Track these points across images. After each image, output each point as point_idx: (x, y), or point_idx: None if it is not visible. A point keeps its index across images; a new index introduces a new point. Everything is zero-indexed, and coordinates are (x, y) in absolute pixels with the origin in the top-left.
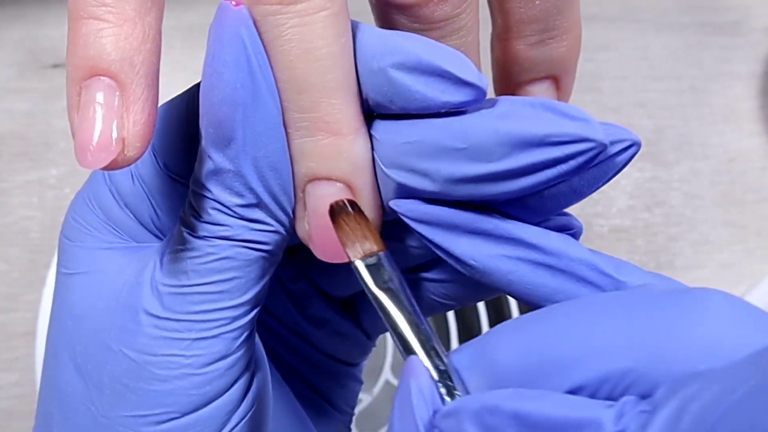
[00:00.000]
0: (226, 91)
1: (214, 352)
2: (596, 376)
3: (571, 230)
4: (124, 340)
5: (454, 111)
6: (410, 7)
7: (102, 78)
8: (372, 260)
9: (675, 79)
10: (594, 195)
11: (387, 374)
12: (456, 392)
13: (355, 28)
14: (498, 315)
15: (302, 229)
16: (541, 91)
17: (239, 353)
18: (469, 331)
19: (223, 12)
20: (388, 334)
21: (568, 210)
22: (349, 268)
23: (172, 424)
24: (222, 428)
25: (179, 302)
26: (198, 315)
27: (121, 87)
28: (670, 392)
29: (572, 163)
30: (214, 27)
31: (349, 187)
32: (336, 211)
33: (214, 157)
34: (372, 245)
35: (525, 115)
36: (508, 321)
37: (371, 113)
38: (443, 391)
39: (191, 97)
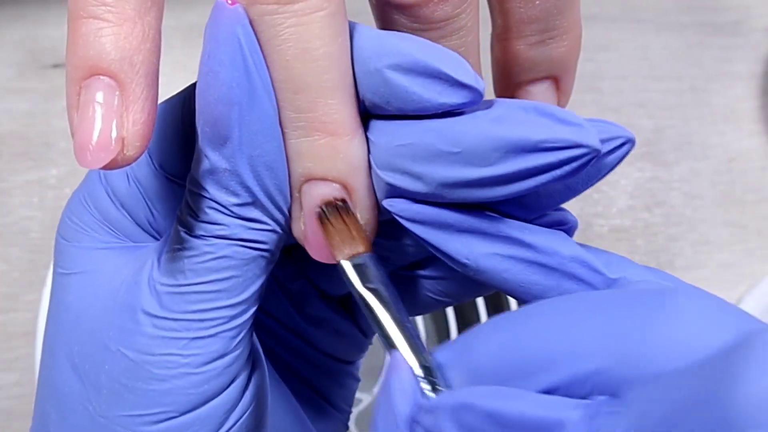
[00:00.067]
0: (221, 90)
1: (212, 351)
2: (570, 377)
3: (566, 225)
4: (122, 339)
5: (451, 112)
6: (410, 7)
7: (102, 77)
8: (358, 260)
9: (675, 79)
10: (594, 195)
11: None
12: (439, 388)
13: (352, 28)
14: (497, 312)
15: (298, 229)
16: (541, 91)
17: (237, 352)
18: (468, 328)
19: (219, 11)
20: None
21: (565, 206)
22: None
23: (171, 423)
24: (220, 427)
25: (177, 301)
26: (196, 314)
27: (121, 86)
28: (637, 393)
29: (566, 168)
30: (209, 26)
31: (345, 187)
32: (324, 212)
33: (210, 156)
34: (358, 246)
35: (519, 119)
36: (490, 320)
37: (367, 114)
38: (427, 387)
39: (186, 98)
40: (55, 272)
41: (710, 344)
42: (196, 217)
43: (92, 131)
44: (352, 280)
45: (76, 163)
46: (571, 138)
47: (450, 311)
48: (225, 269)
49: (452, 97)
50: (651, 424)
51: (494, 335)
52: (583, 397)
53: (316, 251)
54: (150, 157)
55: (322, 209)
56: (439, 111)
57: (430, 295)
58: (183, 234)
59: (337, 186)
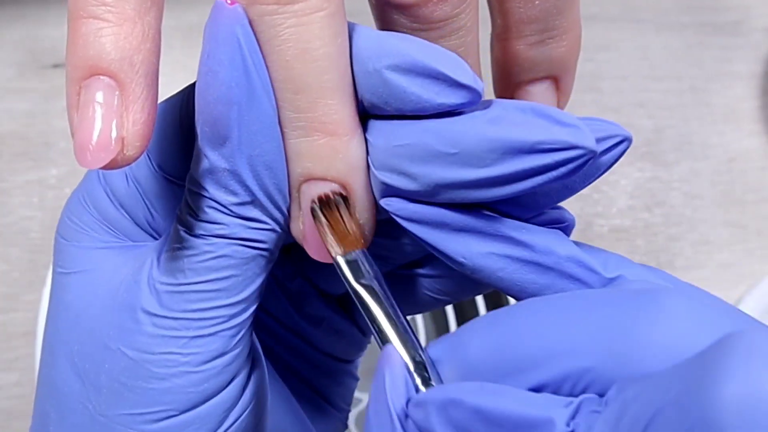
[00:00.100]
0: (221, 90)
1: (212, 349)
2: (560, 374)
3: (564, 223)
4: (122, 338)
5: (449, 113)
6: (410, 6)
7: (101, 77)
8: (351, 256)
9: (675, 79)
10: (594, 195)
11: None
12: (431, 383)
13: (351, 29)
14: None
15: (297, 229)
16: (541, 91)
17: (236, 351)
18: None
19: (219, 10)
20: None
21: (565, 205)
22: None
23: (170, 421)
24: (220, 426)
25: (177, 300)
26: (195, 313)
27: (121, 86)
28: (617, 393)
29: (562, 170)
30: (209, 26)
31: (344, 187)
32: (317, 209)
33: (209, 156)
34: (351, 242)
35: (516, 120)
36: (483, 316)
37: (366, 114)
38: (419, 381)
39: (185, 98)
40: (54, 271)
41: (699, 344)
42: (195, 216)
43: (92, 131)
44: (346, 276)
45: (76, 163)
46: (568, 139)
47: (450, 309)
48: (224, 268)
49: (451, 98)
50: (628, 423)
51: (487, 331)
52: (569, 395)
53: (315, 251)
54: (149, 157)
55: (316, 206)
56: (438, 111)
57: (429, 293)
58: (182, 233)
59: (336, 186)
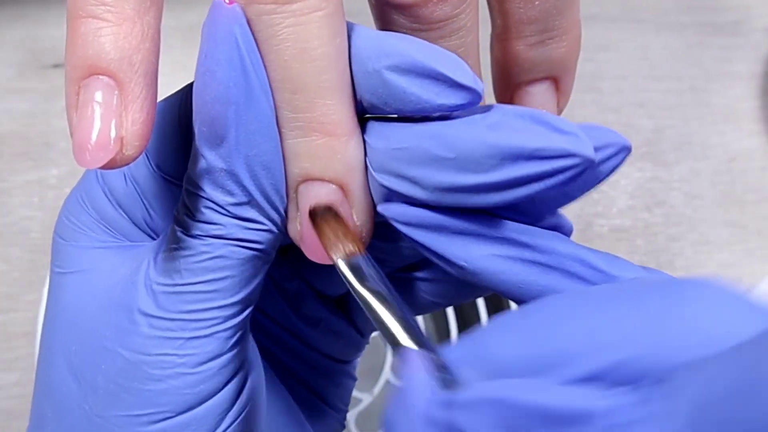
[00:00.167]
0: (219, 90)
1: (208, 351)
2: (596, 368)
3: (562, 229)
4: (119, 339)
5: (448, 115)
6: (409, 7)
7: (101, 77)
8: (355, 260)
9: (675, 79)
10: (594, 195)
11: (387, 374)
12: (454, 385)
13: (350, 29)
14: (497, 311)
15: (294, 230)
16: (541, 92)
17: (233, 352)
18: (469, 329)
19: (217, 10)
20: None
21: (562, 210)
22: None
23: (167, 423)
24: (217, 427)
25: (173, 301)
26: (191, 314)
27: (120, 86)
28: (659, 384)
29: (560, 177)
30: (207, 25)
31: (341, 188)
32: (317, 214)
33: (206, 156)
34: (353, 246)
35: (515, 127)
36: (504, 315)
37: (364, 115)
38: (442, 383)
39: (184, 98)
40: (52, 271)
41: (738, 333)
42: (192, 216)
43: (91, 131)
44: (350, 280)
45: (76, 163)
46: (566, 147)
47: (450, 311)
48: (221, 269)
49: (451, 98)
50: (676, 413)
51: (510, 331)
52: (606, 389)
53: (312, 252)
54: (147, 157)
55: (315, 210)
56: (438, 112)
57: (427, 296)
58: (179, 233)
59: (334, 186)
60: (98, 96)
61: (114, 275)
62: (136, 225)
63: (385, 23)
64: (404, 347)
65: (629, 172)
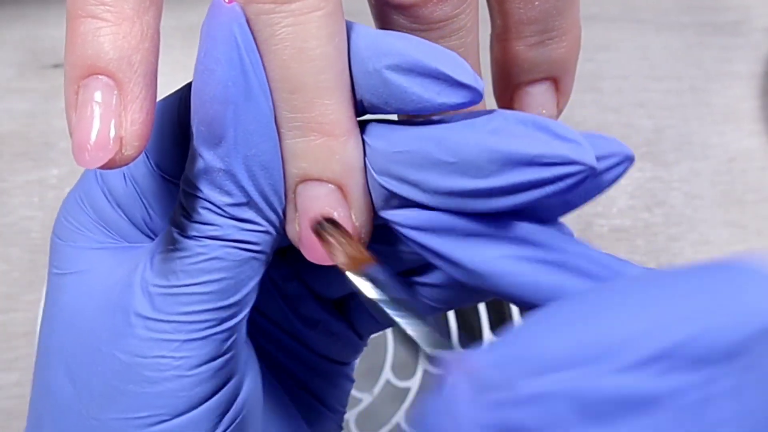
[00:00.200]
0: (217, 89)
1: (204, 353)
2: (651, 352)
3: None
4: (115, 341)
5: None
6: (409, 7)
7: (100, 77)
8: (369, 272)
9: (675, 79)
10: None
11: (387, 374)
12: (499, 385)
13: (349, 28)
14: (498, 315)
15: (293, 231)
16: (541, 92)
17: (229, 355)
18: (469, 330)
19: (216, 9)
20: (386, 334)
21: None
22: (337, 268)
23: (163, 426)
24: (213, 430)
25: (169, 303)
26: (188, 316)
27: (119, 86)
28: (724, 362)
29: (561, 185)
30: (206, 24)
31: (340, 188)
32: (320, 227)
33: (204, 156)
34: (362, 255)
35: (516, 133)
36: (539, 311)
37: (364, 114)
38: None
39: (183, 97)
40: (50, 272)
41: None
42: (189, 217)
43: (90, 130)
44: (365, 291)
45: (76, 163)
46: (568, 154)
47: (450, 313)
48: (217, 270)
49: (452, 97)
50: (743, 393)
51: (552, 324)
52: (669, 370)
53: (311, 253)
54: (147, 156)
55: (320, 224)
56: (439, 111)
57: (426, 302)
58: (175, 234)
59: (332, 187)
60: (97, 96)
61: (111, 277)
62: (135, 225)
63: (384, 23)
64: (440, 352)
65: (629, 172)
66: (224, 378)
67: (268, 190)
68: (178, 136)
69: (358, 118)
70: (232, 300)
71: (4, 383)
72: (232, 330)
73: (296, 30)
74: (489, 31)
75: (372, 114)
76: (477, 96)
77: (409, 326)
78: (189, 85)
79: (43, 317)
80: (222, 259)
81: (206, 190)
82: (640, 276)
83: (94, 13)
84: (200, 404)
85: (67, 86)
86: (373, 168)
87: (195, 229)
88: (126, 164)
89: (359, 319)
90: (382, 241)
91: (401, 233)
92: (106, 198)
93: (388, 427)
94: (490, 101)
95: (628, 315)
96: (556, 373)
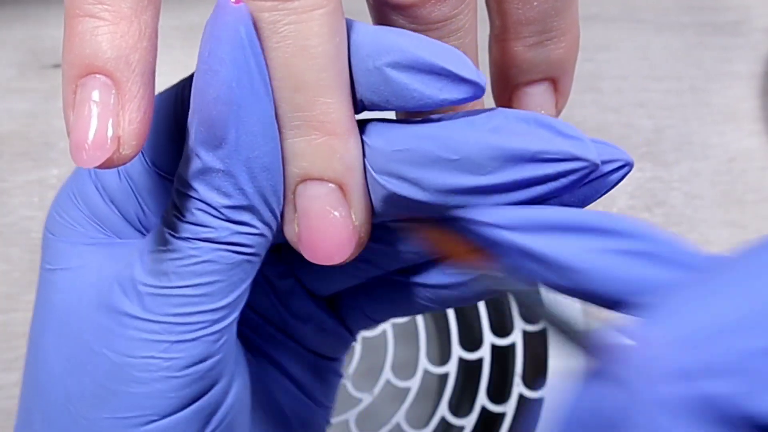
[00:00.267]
0: (221, 90)
1: (194, 354)
2: None
3: None
4: (105, 340)
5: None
6: (408, 7)
7: (98, 76)
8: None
9: (675, 79)
10: None
11: (387, 374)
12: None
13: (348, 26)
14: (497, 310)
15: (291, 232)
16: (540, 93)
17: (219, 356)
18: (469, 330)
19: (222, 9)
20: (386, 334)
21: None
22: (333, 267)
23: (152, 426)
24: (202, 430)
25: (159, 304)
26: (178, 317)
27: (117, 85)
28: None
29: (563, 181)
30: (211, 24)
31: (341, 187)
32: (427, 233)
33: (202, 156)
34: (479, 254)
35: (518, 130)
36: (687, 288)
37: (362, 112)
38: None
39: (179, 93)
40: (42, 267)
41: None
42: (182, 218)
43: (88, 130)
44: (540, 307)
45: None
46: (570, 150)
47: (451, 313)
48: (209, 273)
49: (454, 93)
50: None
51: (706, 295)
52: None
53: (312, 253)
54: (142, 152)
55: (423, 230)
56: (442, 107)
57: (424, 302)
58: (167, 235)
59: (333, 186)
60: (95, 95)
61: (103, 274)
62: (128, 222)
63: (383, 24)
64: (594, 330)
65: (629, 172)
66: (214, 379)
67: (268, 192)
68: (174, 132)
69: (356, 117)
70: (223, 302)
71: (4, 383)
72: (222, 332)
73: (298, 28)
74: (488, 31)
75: (371, 111)
76: (479, 91)
77: (562, 311)
78: (185, 81)
79: (34, 313)
80: (215, 262)
81: (202, 191)
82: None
83: (91, 12)
84: (189, 405)
85: (65, 85)
86: (372, 167)
87: (188, 231)
88: (123, 164)
89: (350, 316)
90: (379, 240)
91: (494, 236)
92: (100, 194)
93: (388, 427)
94: (488, 102)
95: None
96: (746, 333)
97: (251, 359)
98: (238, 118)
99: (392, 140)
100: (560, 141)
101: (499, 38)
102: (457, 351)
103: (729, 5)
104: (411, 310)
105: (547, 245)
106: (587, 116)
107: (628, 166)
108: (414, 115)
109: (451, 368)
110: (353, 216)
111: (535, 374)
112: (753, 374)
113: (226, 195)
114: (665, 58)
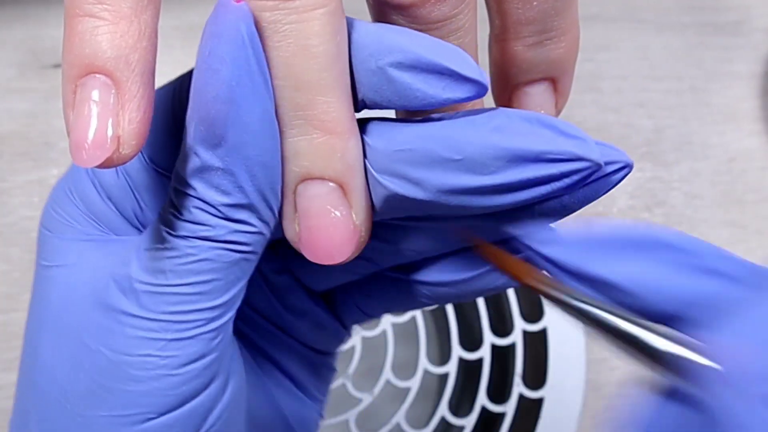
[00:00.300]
0: (221, 89)
1: (191, 353)
2: None
3: None
4: (101, 338)
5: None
6: (408, 7)
7: (98, 76)
8: (546, 280)
9: (675, 79)
10: None
11: (387, 374)
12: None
13: (350, 25)
14: (497, 310)
15: (292, 231)
16: (539, 93)
17: (216, 354)
18: (469, 330)
19: (223, 7)
20: (386, 334)
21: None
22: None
23: (149, 424)
24: (199, 428)
25: (156, 302)
26: (175, 315)
27: (117, 85)
28: None
29: (566, 181)
30: (212, 22)
31: (341, 187)
32: (484, 250)
33: (201, 155)
34: (540, 274)
35: (521, 130)
36: (744, 302)
37: (362, 111)
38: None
39: (177, 89)
40: (38, 264)
41: None
42: (179, 216)
43: (88, 129)
44: (583, 307)
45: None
46: (573, 150)
47: (450, 310)
48: (207, 272)
49: (457, 92)
50: None
51: None
52: None
53: (312, 253)
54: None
55: (481, 247)
56: (444, 106)
57: (421, 298)
58: (164, 233)
59: (333, 185)
60: (95, 95)
61: (99, 271)
62: (125, 218)
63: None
64: (677, 347)
65: (629, 174)
66: (210, 376)
67: (267, 190)
68: (172, 129)
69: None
70: (220, 301)
71: (4, 383)
72: (219, 330)
73: (299, 27)
74: (488, 31)
75: (371, 110)
76: (482, 89)
77: (632, 325)
78: (183, 77)
79: (30, 310)
80: (212, 260)
81: (201, 189)
82: None
83: (91, 12)
84: (186, 403)
85: (65, 85)
86: (372, 167)
87: (185, 229)
88: (123, 163)
89: (345, 311)
90: (379, 238)
91: (544, 264)
92: (96, 190)
93: (388, 427)
94: (488, 102)
95: None
96: None
97: (246, 355)
98: (238, 116)
99: (394, 140)
100: (563, 141)
101: (499, 38)
102: (457, 351)
103: (729, 5)
104: (407, 306)
105: (603, 268)
106: (587, 116)
107: (627, 167)
108: (414, 114)
109: (451, 368)
110: (354, 215)
111: (535, 374)
112: None
113: (225, 193)
114: (665, 58)
